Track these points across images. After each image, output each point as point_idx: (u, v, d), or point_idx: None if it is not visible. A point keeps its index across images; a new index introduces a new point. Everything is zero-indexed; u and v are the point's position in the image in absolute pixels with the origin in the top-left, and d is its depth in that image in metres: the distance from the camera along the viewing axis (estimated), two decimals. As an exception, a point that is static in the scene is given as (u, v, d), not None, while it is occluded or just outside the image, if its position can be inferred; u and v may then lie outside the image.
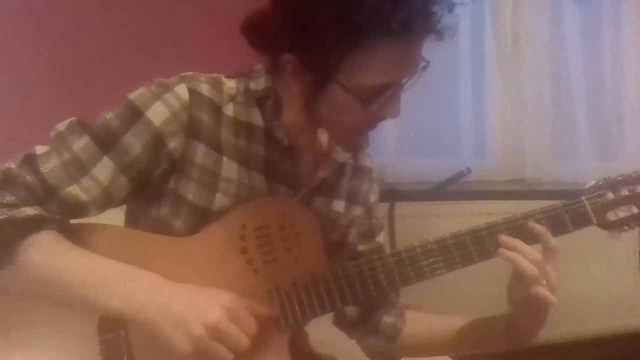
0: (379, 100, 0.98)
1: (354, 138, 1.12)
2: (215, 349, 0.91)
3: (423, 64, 1.00)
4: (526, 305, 1.03)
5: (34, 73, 1.91)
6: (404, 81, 1.00)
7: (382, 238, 1.24)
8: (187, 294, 0.94)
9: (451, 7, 0.97)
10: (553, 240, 1.02)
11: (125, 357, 0.98)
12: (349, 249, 1.19)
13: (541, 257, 1.00)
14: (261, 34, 1.00)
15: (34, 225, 0.93)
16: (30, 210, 0.94)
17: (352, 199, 1.18)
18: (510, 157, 2.68)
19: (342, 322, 1.22)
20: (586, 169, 2.68)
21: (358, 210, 1.20)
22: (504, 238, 1.02)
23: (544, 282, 0.99)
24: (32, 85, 1.90)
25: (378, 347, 1.21)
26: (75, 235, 0.99)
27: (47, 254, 0.94)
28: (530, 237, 1.02)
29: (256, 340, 0.96)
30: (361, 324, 1.21)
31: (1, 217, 0.92)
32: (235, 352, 0.92)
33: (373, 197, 1.23)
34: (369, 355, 1.23)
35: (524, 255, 1.00)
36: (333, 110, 1.00)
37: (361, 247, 1.20)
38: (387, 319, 1.20)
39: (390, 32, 0.91)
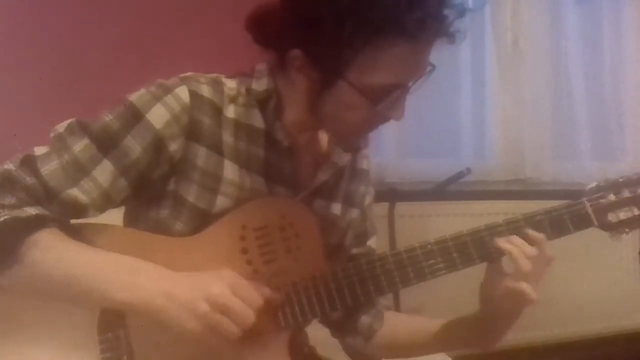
0: (385, 100, 0.98)
1: (354, 138, 1.12)
2: (221, 322, 0.90)
3: (429, 68, 1.00)
4: (503, 302, 1.02)
5: (34, 73, 1.91)
6: (410, 84, 1.00)
7: (374, 242, 1.24)
8: (189, 278, 0.94)
9: (462, 13, 0.97)
10: (549, 250, 1.01)
11: (125, 357, 0.98)
12: (345, 252, 1.19)
13: (537, 253, 1.00)
14: (268, 29, 0.99)
15: (36, 224, 0.93)
16: (32, 210, 0.93)
17: (349, 202, 1.18)
18: (510, 157, 2.68)
19: (326, 321, 1.22)
20: (586, 169, 2.69)
21: (355, 213, 1.20)
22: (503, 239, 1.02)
23: (529, 281, 0.99)
24: (32, 85, 1.90)
25: (355, 346, 1.21)
26: (76, 235, 0.98)
27: (51, 251, 0.93)
28: (528, 241, 1.02)
29: (256, 340, 0.96)
30: (342, 324, 1.21)
31: (4, 218, 0.92)
32: (241, 325, 0.91)
33: (368, 199, 1.23)
34: (349, 354, 1.24)
35: (521, 249, 1.00)
36: (338, 108, 1.00)
37: (354, 250, 1.20)
38: (365, 319, 1.20)
39: (404, 31, 0.91)
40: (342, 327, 1.22)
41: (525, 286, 0.98)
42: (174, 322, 0.90)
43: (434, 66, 1.00)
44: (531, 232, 1.02)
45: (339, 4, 0.91)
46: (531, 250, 1.00)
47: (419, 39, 0.94)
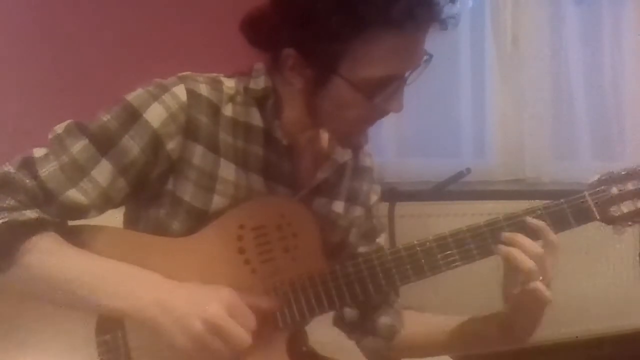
0: (382, 93, 0.97)
1: (354, 134, 1.11)
2: (215, 344, 0.90)
3: (426, 57, 0.99)
4: (521, 301, 1.01)
5: (33, 74, 1.91)
6: (407, 74, 0.99)
7: (383, 239, 1.23)
8: (187, 291, 0.94)
9: None
10: (553, 234, 1.00)
11: (123, 359, 0.98)
12: (349, 250, 1.19)
13: (541, 251, 0.98)
14: (260, 30, 0.99)
15: (35, 228, 0.94)
16: (31, 213, 0.94)
17: (352, 200, 1.18)
18: (510, 157, 2.68)
19: (342, 323, 1.21)
20: (586, 169, 2.66)
21: (358, 211, 1.19)
22: (506, 234, 1.01)
23: (541, 277, 0.97)
24: (32, 86, 1.90)
25: (375, 348, 1.20)
26: (75, 237, 0.99)
27: (49, 255, 0.94)
28: (530, 233, 1.01)
29: (254, 340, 0.96)
30: (359, 325, 1.20)
31: (3, 220, 0.92)
32: (236, 348, 0.91)
33: (374, 198, 1.22)
34: (367, 356, 1.22)
35: (523, 249, 0.98)
36: (335, 105, 1.00)
37: (361, 249, 1.19)
38: (385, 319, 1.19)
39: (391, 21, 0.91)
40: (360, 329, 1.20)
41: (537, 285, 0.97)
42: (165, 334, 0.90)
43: (430, 55, 0.99)
44: (530, 221, 1.01)
45: None
46: (531, 245, 0.99)
47: (408, 28, 0.92)
